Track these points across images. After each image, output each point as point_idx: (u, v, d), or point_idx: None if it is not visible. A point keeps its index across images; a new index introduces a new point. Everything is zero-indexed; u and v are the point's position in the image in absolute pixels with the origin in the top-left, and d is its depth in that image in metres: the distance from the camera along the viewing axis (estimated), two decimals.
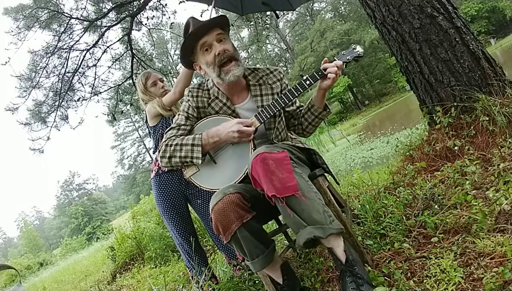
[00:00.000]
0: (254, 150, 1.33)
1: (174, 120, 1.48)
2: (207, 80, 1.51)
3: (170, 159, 1.37)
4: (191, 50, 1.41)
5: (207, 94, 1.47)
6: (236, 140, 1.33)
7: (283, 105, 1.37)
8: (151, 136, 2.01)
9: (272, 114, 1.37)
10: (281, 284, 1.30)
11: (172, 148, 1.37)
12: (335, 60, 1.41)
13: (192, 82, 1.90)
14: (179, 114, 1.48)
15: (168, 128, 1.46)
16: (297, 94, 1.37)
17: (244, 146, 1.36)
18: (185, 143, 1.36)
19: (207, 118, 1.45)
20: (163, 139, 1.42)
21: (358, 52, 1.42)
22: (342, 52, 1.46)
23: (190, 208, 2.02)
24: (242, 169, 1.33)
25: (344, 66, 1.44)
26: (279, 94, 1.46)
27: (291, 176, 1.14)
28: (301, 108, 1.58)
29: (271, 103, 1.38)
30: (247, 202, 1.22)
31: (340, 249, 1.17)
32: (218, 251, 2.40)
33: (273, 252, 1.30)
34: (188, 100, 1.47)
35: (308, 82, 1.37)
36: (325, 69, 1.36)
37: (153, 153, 2.03)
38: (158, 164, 1.90)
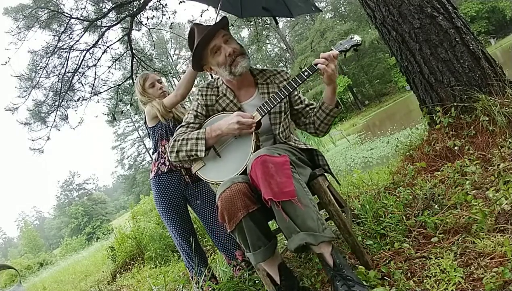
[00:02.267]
0: (255, 142, 1.36)
1: (184, 119, 1.54)
2: (218, 78, 1.57)
3: (177, 153, 1.42)
4: (202, 55, 1.47)
5: (216, 92, 1.53)
6: (237, 131, 1.36)
7: (283, 97, 1.40)
8: (150, 137, 2.01)
9: (272, 106, 1.40)
10: (278, 284, 1.30)
11: (179, 142, 1.42)
12: (331, 50, 1.41)
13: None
14: (188, 113, 1.53)
15: (178, 127, 1.52)
16: (295, 86, 1.39)
17: (247, 139, 1.39)
18: (190, 138, 1.41)
19: (213, 116, 1.50)
20: (173, 137, 1.48)
21: (356, 41, 1.43)
22: (340, 42, 1.47)
23: (189, 208, 2.02)
24: (244, 161, 1.35)
25: (344, 56, 1.46)
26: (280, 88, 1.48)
27: (289, 181, 1.15)
28: (311, 107, 1.60)
29: (271, 97, 1.41)
30: (254, 193, 1.23)
31: (328, 254, 1.19)
32: (218, 251, 2.40)
33: (274, 246, 1.30)
34: (197, 99, 1.53)
35: (306, 73, 1.39)
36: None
37: (152, 154, 2.03)
38: (158, 164, 1.90)
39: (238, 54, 1.41)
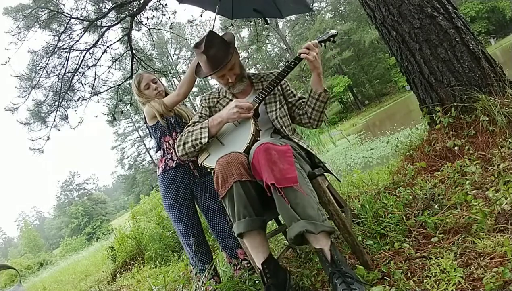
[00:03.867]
0: (254, 125, 1.41)
1: (190, 121, 1.67)
2: (217, 85, 1.71)
3: (184, 145, 1.52)
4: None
5: (217, 95, 1.69)
6: (236, 115, 1.43)
7: (275, 84, 1.54)
8: (152, 136, 2.01)
9: (266, 94, 1.53)
10: (266, 283, 1.26)
11: (185, 135, 1.54)
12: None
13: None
14: (194, 116, 1.69)
15: (186, 126, 1.63)
16: (285, 74, 1.56)
17: (247, 124, 1.46)
18: (195, 129, 1.52)
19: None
20: (181, 134, 1.59)
21: (332, 32, 1.64)
22: (318, 35, 1.68)
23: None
24: (245, 142, 1.40)
25: (324, 46, 1.66)
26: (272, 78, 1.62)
27: (292, 168, 1.18)
28: (303, 99, 1.70)
29: (265, 86, 1.55)
30: (251, 165, 1.26)
31: (327, 249, 1.19)
32: (218, 251, 2.40)
33: (260, 222, 1.27)
34: (202, 103, 1.70)
35: (293, 63, 1.57)
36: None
37: (156, 152, 2.03)
38: (165, 160, 1.90)
39: (238, 80, 1.57)
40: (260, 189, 1.25)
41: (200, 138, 1.47)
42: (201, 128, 1.50)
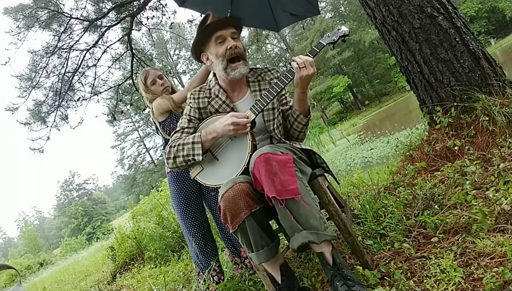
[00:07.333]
0: (252, 142, 1.34)
1: (178, 124, 1.53)
2: (209, 81, 1.57)
3: (175, 159, 1.41)
4: (205, 40, 1.45)
5: (208, 94, 1.53)
6: (232, 133, 1.34)
7: (275, 94, 1.38)
8: (159, 132, 1.99)
9: (265, 104, 1.38)
10: (279, 284, 1.31)
11: (175, 148, 1.41)
12: (313, 48, 1.43)
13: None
14: (182, 118, 1.53)
15: (173, 132, 1.50)
16: (287, 82, 1.39)
17: (243, 139, 1.37)
18: (186, 143, 1.39)
19: (207, 119, 1.49)
20: (169, 143, 1.46)
21: (343, 32, 1.43)
22: (327, 34, 1.47)
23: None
24: (242, 162, 1.34)
25: (332, 48, 1.48)
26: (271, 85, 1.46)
27: (293, 179, 1.16)
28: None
29: (263, 94, 1.40)
30: (256, 193, 1.23)
31: (329, 253, 1.20)
32: (219, 251, 2.39)
33: (277, 246, 1.30)
34: (190, 102, 1.52)
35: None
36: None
37: (163, 148, 2.03)
38: None
39: (239, 55, 1.42)
40: (262, 197, 1.24)
41: (193, 155, 1.37)
42: (193, 143, 1.38)
